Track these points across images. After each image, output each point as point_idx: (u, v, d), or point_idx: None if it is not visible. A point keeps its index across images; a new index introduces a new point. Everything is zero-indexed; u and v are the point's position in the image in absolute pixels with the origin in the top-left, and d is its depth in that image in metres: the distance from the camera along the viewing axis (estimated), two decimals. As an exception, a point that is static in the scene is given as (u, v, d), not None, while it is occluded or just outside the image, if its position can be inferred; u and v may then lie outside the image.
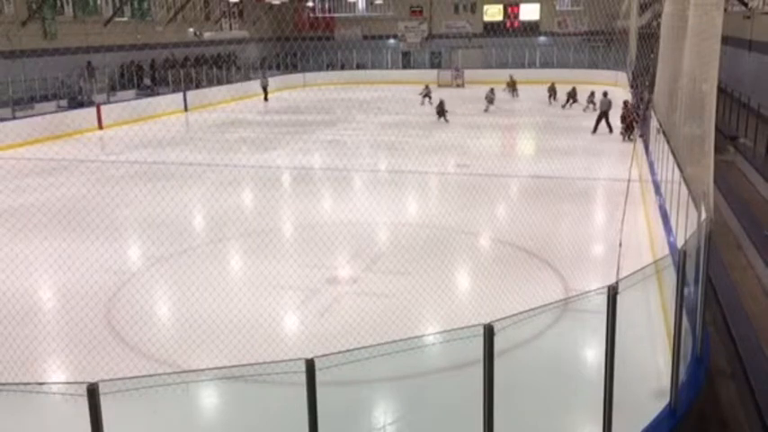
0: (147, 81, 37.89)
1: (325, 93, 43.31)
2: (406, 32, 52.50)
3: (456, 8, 52.08)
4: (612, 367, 6.02)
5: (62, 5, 34.39)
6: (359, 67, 50.55)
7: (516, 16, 51.60)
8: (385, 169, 21.74)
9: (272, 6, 46.18)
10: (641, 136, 19.78)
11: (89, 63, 35.30)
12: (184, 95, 35.86)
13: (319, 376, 4.86)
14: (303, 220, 15.59)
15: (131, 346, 9.33)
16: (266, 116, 34.38)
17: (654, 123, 17.85)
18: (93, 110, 30.16)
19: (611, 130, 26.04)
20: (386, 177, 20.34)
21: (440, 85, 46.45)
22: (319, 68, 49.62)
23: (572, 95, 33.93)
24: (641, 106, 23.82)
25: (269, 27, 46.93)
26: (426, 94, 36.10)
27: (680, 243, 8.35)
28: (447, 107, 30.28)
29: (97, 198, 16.73)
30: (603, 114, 26.41)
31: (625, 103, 25.57)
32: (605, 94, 27.04)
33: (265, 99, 40.34)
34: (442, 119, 30.10)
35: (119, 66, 36.73)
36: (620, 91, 34.59)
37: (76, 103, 31.00)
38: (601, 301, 5.95)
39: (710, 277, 9.36)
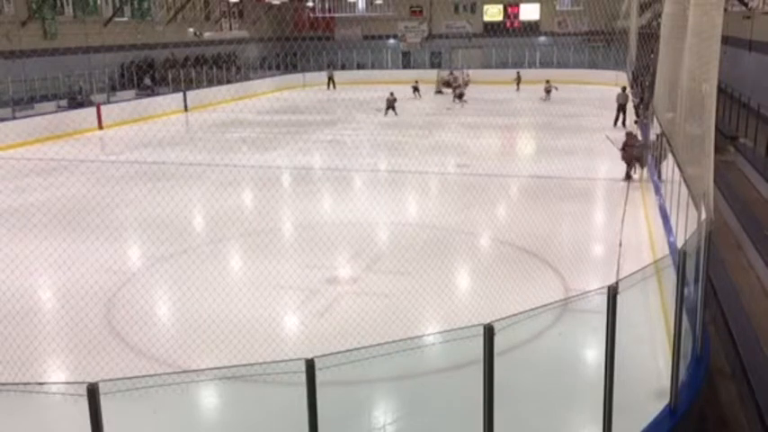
0: (147, 81, 37.91)
1: (326, 93, 43.30)
2: (406, 32, 52.49)
3: (456, 8, 52.07)
4: (612, 367, 6.02)
5: (62, 5, 34.39)
6: (359, 67, 50.55)
7: (516, 16, 51.59)
8: (385, 169, 21.73)
9: (272, 6, 46.17)
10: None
11: (153, 60, 37.53)
12: (184, 95, 35.85)
13: (319, 376, 4.85)
14: (303, 220, 15.58)
15: (131, 346, 9.32)
16: (266, 116, 34.38)
17: (653, 123, 17.84)
18: (93, 110, 30.13)
19: (618, 122, 27.03)
20: (386, 177, 20.33)
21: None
22: (319, 68, 49.61)
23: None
24: (641, 106, 23.83)
25: (269, 27, 46.87)
26: (416, 88, 38.96)
27: (680, 243, 8.35)
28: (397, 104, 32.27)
29: (97, 198, 16.73)
30: (621, 108, 27.46)
31: (628, 135, 18.76)
32: (624, 89, 28.00)
33: (333, 87, 45.38)
34: (391, 111, 32.22)
35: (119, 65, 36.77)
36: (619, 91, 34.61)
37: (76, 103, 30.98)
38: (601, 301, 5.95)
39: (710, 277, 9.36)
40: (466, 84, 42.36)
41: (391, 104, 32.91)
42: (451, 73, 44.18)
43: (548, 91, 36.18)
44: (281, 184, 20.19)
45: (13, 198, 17.69)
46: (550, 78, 37.39)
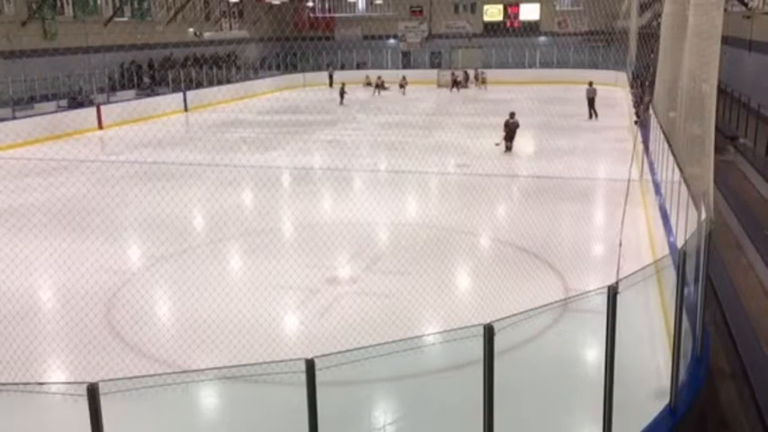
0: (147, 81, 37.93)
1: (326, 93, 43.30)
2: (406, 32, 52.47)
3: (456, 8, 52.08)
4: (612, 367, 6.02)
5: (62, 5, 34.40)
6: (359, 67, 50.55)
7: (516, 16, 51.59)
8: (385, 169, 21.73)
9: (272, 6, 46.16)
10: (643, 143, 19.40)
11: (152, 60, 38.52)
12: (184, 95, 35.86)
13: (319, 376, 4.85)
14: (303, 220, 15.58)
15: (131, 346, 9.32)
16: (266, 116, 34.38)
17: (654, 123, 17.84)
18: (93, 110, 30.15)
19: (592, 116, 29.59)
20: (386, 177, 20.34)
21: (439, 85, 46.51)
22: (319, 68, 49.63)
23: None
24: (641, 106, 23.84)
25: (269, 27, 46.88)
26: (378, 85, 42.21)
27: (680, 243, 8.34)
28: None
29: (97, 198, 16.73)
30: (590, 101, 29.87)
31: (512, 114, 23.26)
32: (590, 84, 30.38)
33: (330, 85, 46.31)
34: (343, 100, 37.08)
35: (119, 65, 36.76)
36: (619, 91, 34.66)
37: (76, 103, 30.99)
38: (601, 301, 5.95)
39: (710, 277, 9.35)
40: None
41: (341, 93, 37.76)
42: (453, 73, 45.11)
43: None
44: (281, 183, 20.19)
45: (13, 198, 17.69)
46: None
